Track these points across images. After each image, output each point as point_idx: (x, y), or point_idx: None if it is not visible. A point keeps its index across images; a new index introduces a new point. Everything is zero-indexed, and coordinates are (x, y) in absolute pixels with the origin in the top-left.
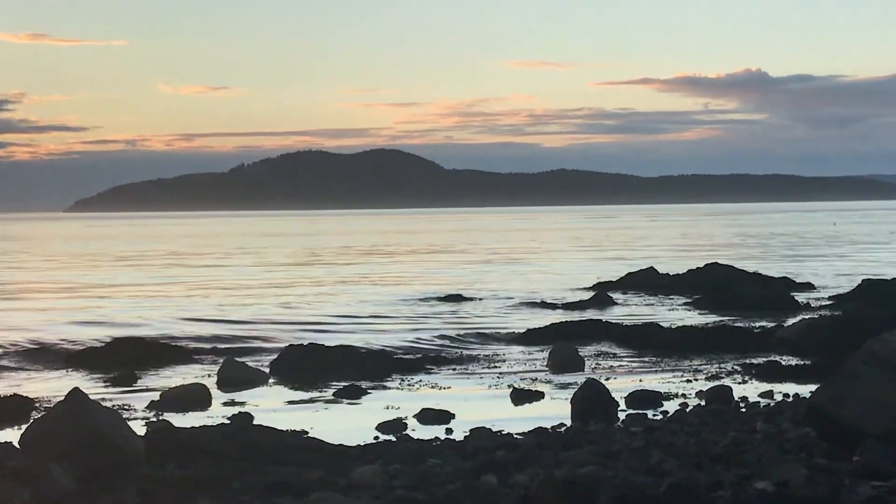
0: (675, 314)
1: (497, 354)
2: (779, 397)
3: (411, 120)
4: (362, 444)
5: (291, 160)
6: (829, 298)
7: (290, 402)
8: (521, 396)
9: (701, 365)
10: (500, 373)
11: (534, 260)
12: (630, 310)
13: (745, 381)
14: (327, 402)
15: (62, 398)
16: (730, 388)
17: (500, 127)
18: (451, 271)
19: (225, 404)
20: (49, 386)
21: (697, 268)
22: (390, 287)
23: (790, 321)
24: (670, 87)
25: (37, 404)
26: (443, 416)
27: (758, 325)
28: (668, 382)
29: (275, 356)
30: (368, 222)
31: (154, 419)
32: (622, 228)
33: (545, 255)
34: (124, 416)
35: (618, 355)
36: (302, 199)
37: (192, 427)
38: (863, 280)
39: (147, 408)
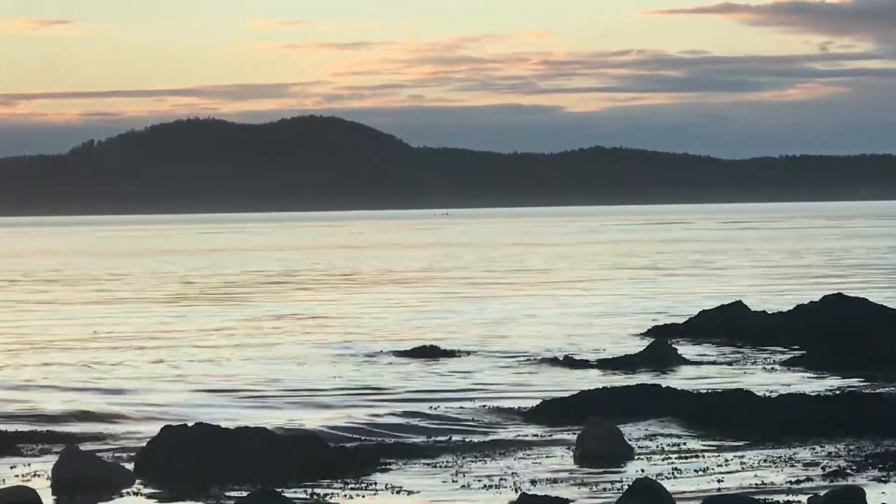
0: (776, 376)
1: (495, 440)
2: None
3: (358, 70)
4: None
5: (169, 135)
6: None
7: None
8: None
9: (816, 455)
10: (501, 468)
11: (553, 291)
12: (705, 370)
13: (884, 479)
14: None
15: None
16: (861, 491)
17: (499, 81)
18: (422, 310)
19: None
20: None
21: (811, 303)
22: (326, 335)
23: None
24: (767, 19)
25: None
26: None
27: None
28: (766, 482)
29: (142, 444)
30: (291, 233)
31: None
32: (692, 240)
33: (571, 283)
34: None
35: (685, 441)
36: (187, 195)
37: None
38: None
39: None
